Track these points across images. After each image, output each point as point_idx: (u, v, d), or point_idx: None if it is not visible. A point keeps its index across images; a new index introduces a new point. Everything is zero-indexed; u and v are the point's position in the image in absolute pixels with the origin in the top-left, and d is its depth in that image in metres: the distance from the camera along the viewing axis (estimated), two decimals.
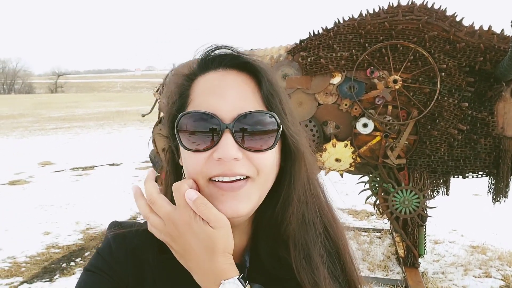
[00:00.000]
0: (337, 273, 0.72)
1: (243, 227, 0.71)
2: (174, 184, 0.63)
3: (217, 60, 0.67)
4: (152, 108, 4.07)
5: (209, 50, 0.68)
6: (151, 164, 7.93)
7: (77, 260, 3.80)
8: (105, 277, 0.68)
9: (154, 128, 3.78)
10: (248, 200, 0.62)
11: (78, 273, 3.54)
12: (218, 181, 0.61)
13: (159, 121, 3.77)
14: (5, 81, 78.00)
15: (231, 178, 0.61)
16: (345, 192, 5.75)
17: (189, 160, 0.63)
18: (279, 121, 0.63)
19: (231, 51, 0.68)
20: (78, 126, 15.21)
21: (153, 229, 0.64)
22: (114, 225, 0.76)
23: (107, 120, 17.41)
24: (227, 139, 0.60)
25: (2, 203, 5.58)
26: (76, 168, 7.89)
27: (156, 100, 3.96)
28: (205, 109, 0.62)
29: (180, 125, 0.63)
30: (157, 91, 3.91)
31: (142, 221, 0.75)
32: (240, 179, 0.61)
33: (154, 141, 3.80)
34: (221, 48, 0.68)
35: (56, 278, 3.47)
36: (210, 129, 0.61)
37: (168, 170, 0.75)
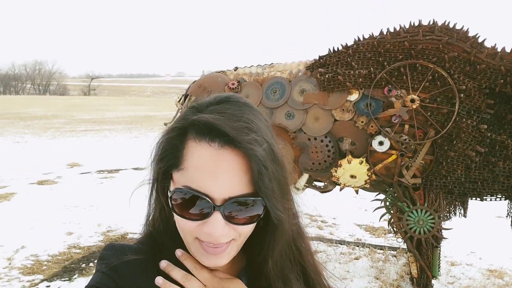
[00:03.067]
0: None
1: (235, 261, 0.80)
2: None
3: (213, 134, 0.67)
4: (174, 117, 4.18)
5: (206, 120, 0.67)
6: None
7: (96, 260, 3.94)
8: None
9: None
10: (228, 256, 0.71)
11: None
12: (205, 243, 0.69)
13: None
14: (40, 82, 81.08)
15: (216, 245, 0.69)
16: (364, 208, 5.72)
17: (180, 221, 0.70)
18: (264, 204, 0.69)
19: (229, 133, 0.66)
20: (107, 129, 15.65)
21: None
22: (111, 248, 0.78)
23: (135, 124, 17.84)
24: (216, 218, 0.66)
25: (30, 202, 5.83)
26: (102, 170, 8.14)
27: (178, 110, 4.07)
28: (198, 187, 0.66)
29: (173, 195, 0.68)
30: (179, 101, 4.03)
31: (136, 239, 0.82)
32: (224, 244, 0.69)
33: None
34: (218, 125, 0.67)
35: (75, 278, 3.60)
36: (202, 206, 0.67)
37: (153, 195, 0.78)
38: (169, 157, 0.71)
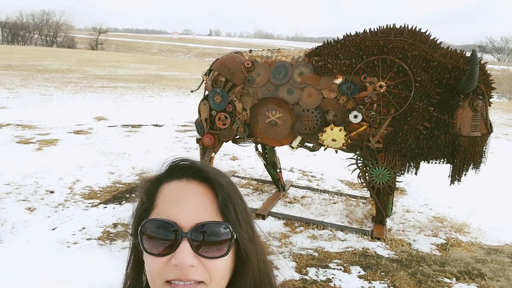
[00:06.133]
0: None
1: None
2: None
3: (181, 171, 0.77)
4: (199, 87, 5.27)
5: (176, 161, 0.80)
6: (189, 128, 9.27)
7: (137, 193, 5.18)
8: None
9: (200, 103, 5.01)
10: None
11: None
12: (174, 284, 0.69)
13: (204, 97, 4.99)
14: (48, 33, 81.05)
15: (186, 283, 0.68)
16: (348, 168, 6.91)
17: (149, 262, 0.71)
18: (232, 231, 0.72)
19: (195, 165, 0.78)
20: (122, 87, 16.73)
21: None
22: None
23: (148, 83, 18.87)
24: (185, 247, 0.68)
25: (73, 147, 7.05)
26: (126, 125, 9.32)
27: (203, 81, 5.14)
28: (167, 216, 0.71)
29: (143, 229, 0.71)
30: (205, 74, 5.10)
31: None
32: (194, 283, 0.69)
33: (199, 112, 5.04)
34: (186, 161, 0.79)
35: (123, 203, 4.85)
36: (169, 236, 0.69)
37: (130, 264, 0.83)
38: (144, 204, 0.77)
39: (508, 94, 34.70)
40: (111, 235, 4.04)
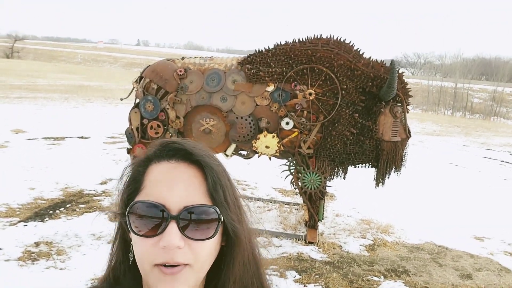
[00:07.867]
0: None
1: None
2: None
3: (171, 153, 0.76)
4: (129, 94, 5.10)
5: (165, 142, 0.78)
6: (117, 140, 8.90)
7: (61, 209, 4.84)
8: None
9: (130, 111, 4.84)
10: (185, 282, 0.70)
11: (63, 218, 4.58)
12: (163, 267, 0.69)
13: (135, 105, 4.82)
14: None
15: (172, 265, 0.69)
16: (280, 176, 7.05)
17: (137, 244, 0.72)
18: (219, 213, 0.72)
19: (185, 147, 0.76)
20: (43, 97, 15.66)
21: None
22: None
23: (71, 94, 17.86)
24: (172, 229, 0.69)
25: None
26: (48, 137, 8.71)
27: (133, 89, 4.98)
28: (156, 198, 0.71)
29: (131, 210, 0.72)
30: (135, 81, 4.94)
31: None
32: (180, 266, 0.70)
33: (130, 121, 4.86)
34: (176, 143, 0.78)
35: (46, 220, 4.49)
36: (157, 218, 0.70)
37: (116, 243, 0.82)
38: (132, 184, 0.76)
39: (421, 105, 37.78)
40: (33, 254, 3.72)
